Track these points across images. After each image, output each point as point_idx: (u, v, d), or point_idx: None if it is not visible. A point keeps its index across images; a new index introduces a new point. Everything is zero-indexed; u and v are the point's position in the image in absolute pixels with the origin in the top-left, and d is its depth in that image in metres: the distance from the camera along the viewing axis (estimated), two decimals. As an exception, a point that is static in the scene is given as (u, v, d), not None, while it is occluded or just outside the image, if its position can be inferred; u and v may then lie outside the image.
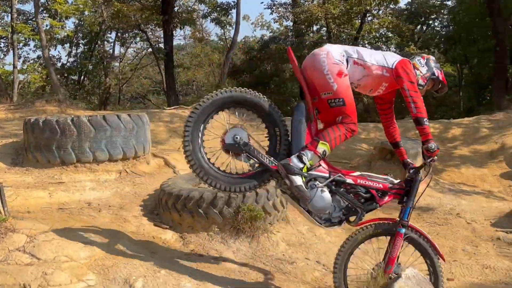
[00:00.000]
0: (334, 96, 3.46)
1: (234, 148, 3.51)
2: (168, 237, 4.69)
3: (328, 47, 3.66)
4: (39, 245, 3.54)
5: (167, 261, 3.89)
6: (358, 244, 3.69)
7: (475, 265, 5.13)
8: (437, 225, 6.42)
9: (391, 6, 22.21)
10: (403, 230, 3.55)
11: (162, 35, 21.01)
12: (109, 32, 23.73)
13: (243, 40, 27.46)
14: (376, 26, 22.22)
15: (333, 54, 3.55)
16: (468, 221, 6.53)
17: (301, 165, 3.40)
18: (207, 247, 4.57)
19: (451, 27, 24.36)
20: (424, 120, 3.53)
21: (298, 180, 3.39)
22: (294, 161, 3.41)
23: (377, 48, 23.82)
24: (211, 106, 3.50)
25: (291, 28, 23.24)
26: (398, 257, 3.57)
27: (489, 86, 19.63)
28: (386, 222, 3.67)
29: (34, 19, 18.95)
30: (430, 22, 26.61)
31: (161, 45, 21.03)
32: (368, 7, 20.07)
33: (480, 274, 4.94)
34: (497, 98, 15.38)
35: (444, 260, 3.68)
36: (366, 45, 23.87)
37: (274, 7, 22.92)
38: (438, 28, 26.45)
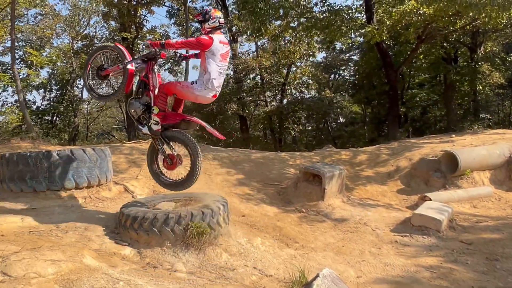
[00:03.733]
0: None
1: None
2: (127, 253, 4.50)
3: None
4: (11, 264, 3.29)
5: (125, 274, 3.72)
6: None
7: (379, 264, 5.26)
8: (349, 233, 6.55)
9: (310, 59, 23.08)
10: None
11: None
12: (78, 79, 23.17)
13: (193, 86, 27.48)
14: (299, 75, 22.94)
15: None
16: (373, 228, 6.69)
17: None
18: (161, 260, 4.42)
19: (356, 76, 25.47)
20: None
21: None
22: None
23: (300, 92, 24.58)
24: None
25: (232, 75, 23.52)
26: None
27: (386, 121, 20.48)
28: None
29: (11, 69, 18.25)
30: (341, 72, 27.78)
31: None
32: (292, 60, 20.73)
33: (382, 270, 5.08)
34: (392, 131, 16.07)
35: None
36: (292, 90, 24.57)
37: (217, 59, 23.18)
38: (347, 77, 27.59)
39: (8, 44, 20.35)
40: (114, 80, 5.32)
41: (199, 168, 4.78)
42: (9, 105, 22.66)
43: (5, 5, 16.15)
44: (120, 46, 5.23)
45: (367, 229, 6.66)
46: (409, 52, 16.67)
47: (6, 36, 18.74)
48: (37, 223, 4.90)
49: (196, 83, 4.72)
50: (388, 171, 9.89)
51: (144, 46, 5.11)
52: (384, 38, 13.74)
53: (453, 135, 12.33)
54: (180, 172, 5.01)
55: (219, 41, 4.66)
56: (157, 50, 4.88)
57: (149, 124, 4.88)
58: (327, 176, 7.61)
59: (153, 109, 4.85)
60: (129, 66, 4.99)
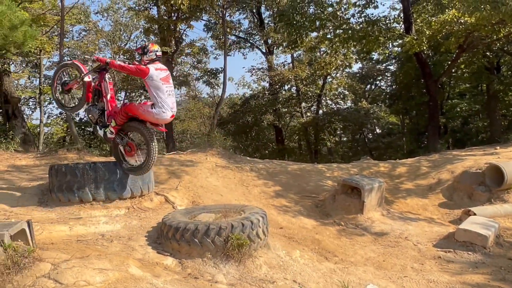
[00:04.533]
0: None
1: None
2: (169, 263, 4.59)
3: None
4: (62, 272, 3.44)
5: (168, 284, 3.80)
6: None
7: (422, 280, 5.10)
8: (390, 247, 6.40)
9: (346, 70, 22.91)
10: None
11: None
12: (119, 92, 23.95)
13: (228, 97, 27.96)
14: (335, 86, 22.79)
15: None
16: (415, 243, 6.52)
17: None
18: (202, 271, 4.48)
19: (393, 86, 24.99)
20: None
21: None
22: None
23: (336, 103, 24.38)
24: None
25: (267, 87, 23.66)
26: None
27: (425, 133, 19.92)
28: None
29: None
30: (377, 82, 27.34)
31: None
32: (328, 71, 20.63)
33: (426, 287, 4.92)
34: (432, 142, 15.61)
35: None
36: (328, 101, 24.43)
37: (253, 71, 23.48)
38: (384, 87, 27.11)
39: (55, 59, 21.49)
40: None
41: (155, 153, 5.36)
42: (54, 117, 23.78)
43: (54, 23, 17.02)
44: (76, 62, 5.91)
45: (408, 244, 6.49)
46: (449, 62, 16.23)
47: (53, 52, 19.73)
48: (84, 232, 5.09)
49: (154, 108, 5.24)
50: (429, 184, 9.60)
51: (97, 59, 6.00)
52: (424, 48, 13.46)
53: (498, 147, 11.83)
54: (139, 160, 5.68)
55: (155, 68, 5.18)
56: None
57: (105, 131, 5.57)
58: (366, 189, 7.49)
59: (112, 122, 5.50)
60: (86, 78, 5.59)
